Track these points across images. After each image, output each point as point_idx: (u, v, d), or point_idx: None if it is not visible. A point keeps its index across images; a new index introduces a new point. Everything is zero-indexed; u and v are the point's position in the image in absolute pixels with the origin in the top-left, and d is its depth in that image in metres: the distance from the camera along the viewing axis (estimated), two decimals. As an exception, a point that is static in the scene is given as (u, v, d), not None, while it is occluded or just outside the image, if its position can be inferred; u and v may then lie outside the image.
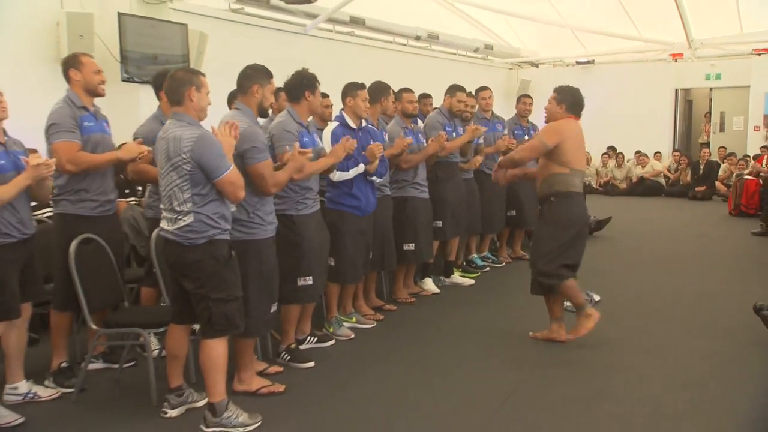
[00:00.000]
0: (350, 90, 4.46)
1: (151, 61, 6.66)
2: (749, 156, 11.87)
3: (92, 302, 3.52)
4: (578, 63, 14.47)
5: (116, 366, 3.91)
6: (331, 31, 9.79)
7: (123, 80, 6.41)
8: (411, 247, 5.22)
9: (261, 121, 3.75)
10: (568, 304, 5.11)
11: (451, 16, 12.12)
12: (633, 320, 4.91)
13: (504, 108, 8.41)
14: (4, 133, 3.37)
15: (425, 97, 6.08)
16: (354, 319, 4.80)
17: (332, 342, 4.44)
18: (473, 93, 6.30)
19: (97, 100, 3.84)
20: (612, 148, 13.64)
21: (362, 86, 4.50)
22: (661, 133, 14.12)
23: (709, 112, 14.79)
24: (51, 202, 4.81)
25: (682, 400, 3.50)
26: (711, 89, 14.39)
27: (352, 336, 4.57)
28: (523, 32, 13.67)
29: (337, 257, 4.40)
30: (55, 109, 3.66)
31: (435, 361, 4.13)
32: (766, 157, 10.52)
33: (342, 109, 4.53)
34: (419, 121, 5.67)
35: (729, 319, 4.85)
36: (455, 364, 4.08)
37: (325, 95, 4.82)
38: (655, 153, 13.42)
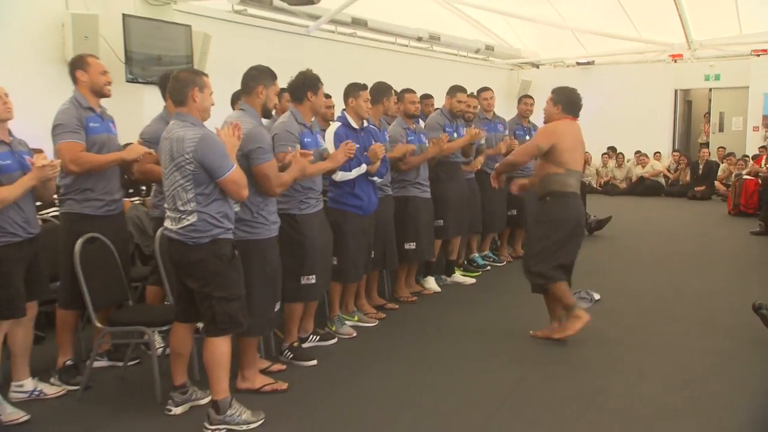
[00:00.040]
0: (352, 90, 4.46)
1: (155, 62, 6.67)
2: (748, 156, 11.86)
3: (97, 301, 3.53)
4: (578, 64, 14.46)
5: (121, 364, 3.91)
6: (334, 32, 9.80)
7: (127, 81, 6.41)
8: (412, 246, 5.21)
9: (264, 121, 3.75)
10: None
11: (453, 17, 12.11)
12: (633, 319, 4.90)
13: (505, 108, 8.40)
14: (10, 133, 3.37)
15: (427, 97, 6.07)
16: (356, 318, 4.80)
17: (335, 340, 4.44)
18: (475, 94, 6.29)
19: (101, 101, 3.84)
20: (612, 149, 13.63)
21: (364, 87, 4.50)
22: (660, 134, 14.11)
23: (709, 113, 14.77)
24: (57, 201, 4.83)
25: (682, 398, 3.50)
26: (710, 90, 14.37)
27: (354, 334, 4.57)
28: (523, 33, 13.65)
29: (339, 256, 4.40)
30: (61, 110, 3.67)
31: (436, 359, 4.13)
32: (764, 157, 10.50)
33: (344, 110, 4.53)
34: (421, 122, 5.67)
35: (728, 318, 4.84)
36: (456, 362, 4.07)
37: (327, 96, 4.82)
38: (655, 153, 13.41)
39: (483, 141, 6.11)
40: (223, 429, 3.13)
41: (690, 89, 14.95)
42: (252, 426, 3.17)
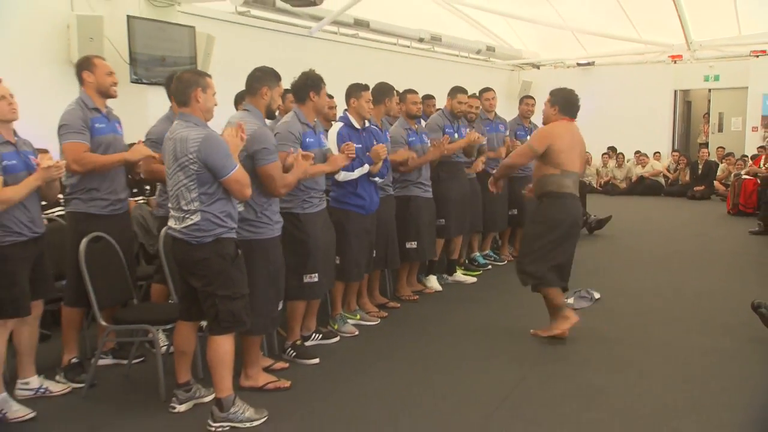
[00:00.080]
0: (354, 91, 4.45)
1: (159, 63, 6.67)
2: (747, 156, 11.84)
3: (102, 299, 3.54)
4: (579, 64, 14.44)
5: (125, 362, 3.92)
6: (336, 33, 9.79)
7: (132, 82, 6.41)
8: (414, 245, 5.21)
9: (267, 122, 3.75)
10: (569, 301, 5.12)
11: (454, 18, 12.10)
12: (633, 318, 4.89)
13: (505, 109, 8.40)
14: (14, 133, 3.37)
15: (428, 98, 6.07)
16: (358, 317, 4.80)
17: (337, 339, 4.45)
18: (477, 94, 6.28)
19: (108, 102, 3.85)
20: (612, 149, 13.61)
21: (366, 87, 4.50)
22: (660, 134, 14.08)
23: (708, 113, 14.74)
24: (62, 201, 4.84)
25: (682, 397, 3.49)
26: (709, 90, 14.35)
27: (357, 333, 4.57)
28: (524, 34, 13.64)
29: (342, 256, 4.40)
30: (67, 111, 3.68)
31: (437, 358, 4.13)
32: (763, 157, 10.48)
33: (346, 110, 4.53)
34: (423, 122, 5.66)
35: (728, 317, 4.83)
36: (457, 361, 4.07)
37: (329, 96, 4.82)
38: (655, 153, 13.39)
39: (484, 141, 6.10)
40: (227, 426, 3.13)
41: (689, 90, 14.93)
42: (255, 423, 3.17)
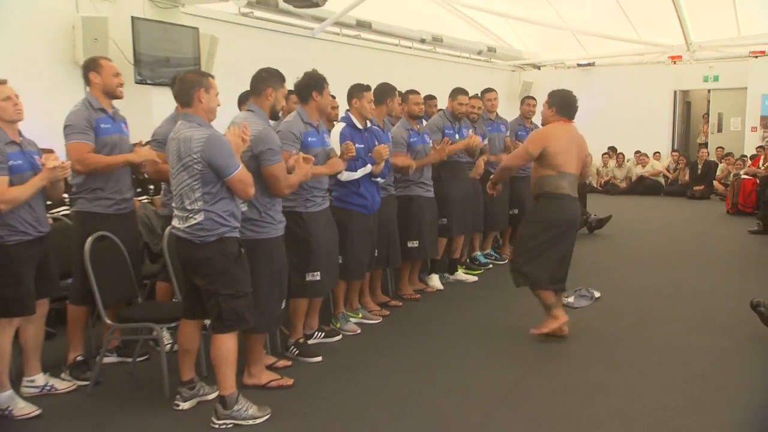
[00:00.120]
0: (356, 91, 4.45)
1: (163, 64, 6.67)
2: (746, 156, 11.81)
3: (107, 298, 3.54)
4: (579, 65, 14.42)
5: (130, 360, 3.92)
6: (338, 34, 9.78)
7: (136, 82, 6.42)
8: (415, 244, 5.21)
9: (271, 123, 3.75)
10: (569, 300, 5.11)
11: (455, 19, 12.09)
12: (633, 317, 4.89)
13: (506, 109, 8.39)
14: (20, 134, 3.38)
15: (430, 98, 6.07)
16: (360, 315, 4.80)
17: (339, 337, 4.45)
18: (479, 95, 6.28)
19: (114, 102, 3.85)
20: (612, 148, 13.59)
21: (367, 88, 4.49)
22: (660, 134, 14.06)
23: (707, 113, 14.72)
24: (68, 200, 4.85)
25: (682, 396, 3.48)
26: (709, 91, 14.32)
27: (359, 331, 4.57)
28: (525, 35, 13.63)
29: (344, 255, 4.39)
30: (72, 111, 3.69)
31: (438, 356, 4.12)
32: (762, 157, 10.46)
33: (348, 110, 4.52)
34: (424, 122, 5.66)
35: (727, 316, 4.81)
36: (458, 359, 4.07)
37: (331, 96, 4.82)
38: (655, 153, 13.37)
39: (486, 141, 6.11)
40: (230, 424, 3.13)
41: (689, 90, 14.90)
42: (258, 421, 3.17)
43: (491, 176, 4.89)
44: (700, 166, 12.40)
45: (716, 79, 13.60)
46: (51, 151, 4.27)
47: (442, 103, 6.02)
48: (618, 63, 14.03)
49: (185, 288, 3.32)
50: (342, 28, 9.66)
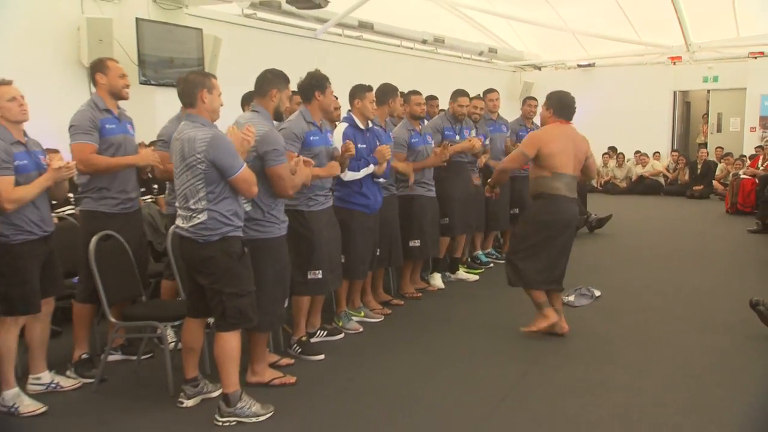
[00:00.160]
0: (358, 92, 4.45)
1: (167, 65, 6.67)
2: (746, 156, 11.79)
3: (111, 296, 3.54)
4: (579, 66, 14.40)
5: (134, 358, 3.93)
6: (341, 35, 9.78)
7: (140, 83, 6.42)
8: (417, 243, 5.21)
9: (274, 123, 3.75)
10: (569, 298, 5.11)
11: (456, 20, 12.09)
12: (633, 315, 4.88)
13: (507, 110, 8.37)
14: (25, 134, 3.38)
15: (431, 99, 6.06)
16: (362, 314, 4.80)
17: (341, 335, 4.44)
18: (481, 95, 6.27)
19: (120, 103, 3.86)
20: (612, 148, 13.58)
21: (369, 88, 4.49)
22: (660, 134, 14.04)
23: (707, 114, 14.69)
24: (73, 199, 4.86)
25: (682, 394, 3.47)
26: (708, 91, 14.29)
27: (361, 330, 4.57)
28: (526, 36, 13.62)
29: (346, 254, 4.39)
30: (78, 111, 3.70)
31: (439, 354, 4.12)
32: (761, 157, 10.44)
33: (349, 110, 4.52)
34: (426, 122, 5.65)
35: (727, 314, 4.80)
36: (459, 356, 4.07)
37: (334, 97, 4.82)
38: (654, 153, 13.34)
39: (488, 141, 6.11)
40: (234, 421, 3.14)
41: (689, 91, 14.87)
42: (261, 418, 3.17)
43: (488, 180, 4.89)
44: (699, 166, 12.38)
45: (716, 79, 13.57)
46: (56, 151, 4.28)
47: (444, 103, 6.01)
48: (618, 64, 14.01)
49: (189, 287, 3.32)
50: (344, 29, 9.66)
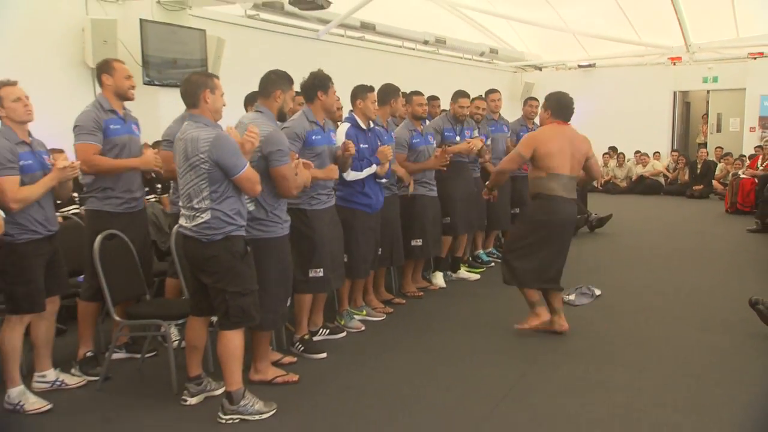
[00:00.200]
0: (360, 92, 4.44)
1: (171, 65, 6.67)
2: (745, 156, 11.77)
3: (116, 295, 3.55)
4: (580, 66, 14.38)
5: (138, 356, 3.93)
6: (343, 35, 9.77)
7: (144, 83, 6.42)
8: (419, 243, 5.21)
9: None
10: (570, 297, 5.11)
11: (458, 21, 12.07)
12: (633, 314, 4.87)
13: (508, 110, 8.37)
14: (29, 134, 3.38)
15: (433, 99, 6.06)
16: (364, 312, 4.80)
17: (343, 334, 4.44)
18: (483, 96, 6.27)
19: (126, 103, 3.86)
20: (613, 148, 13.56)
21: (371, 89, 4.49)
22: (660, 134, 14.02)
23: (707, 114, 14.66)
24: (78, 199, 4.86)
25: (682, 393, 3.46)
26: (708, 92, 14.26)
27: (363, 328, 4.57)
28: (527, 37, 13.60)
29: (349, 253, 4.39)
30: (82, 112, 3.71)
31: (441, 352, 4.12)
32: (760, 157, 10.42)
33: (351, 111, 4.52)
34: (427, 122, 5.65)
35: (727, 313, 4.79)
36: (460, 355, 4.06)
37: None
38: (654, 153, 13.32)
39: (489, 142, 6.10)
40: (237, 419, 3.14)
41: (688, 91, 14.84)
42: (264, 416, 3.17)
43: (486, 183, 4.89)
44: (699, 166, 12.36)
45: (715, 80, 13.55)
46: (61, 151, 4.28)
47: (445, 103, 6.00)
48: (618, 64, 13.99)
49: (192, 285, 3.32)
50: (346, 30, 9.65)
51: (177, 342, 3.86)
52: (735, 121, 13.72)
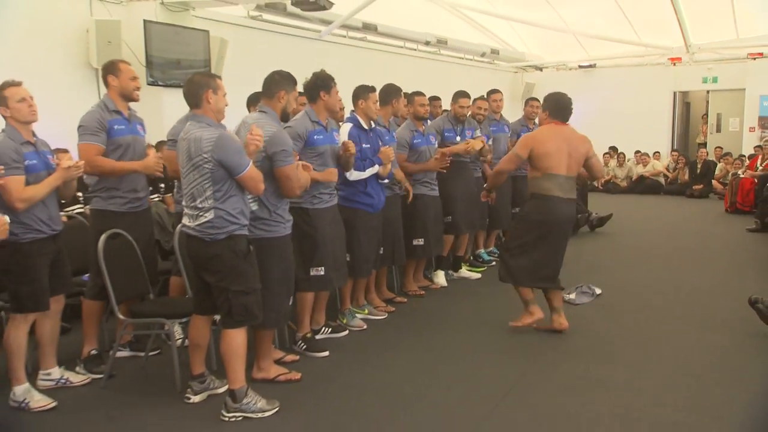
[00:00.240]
0: (361, 92, 4.44)
1: (174, 66, 6.68)
2: (744, 155, 11.75)
3: (120, 293, 3.55)
4: (581, 67, 14.36)
5: (142, 354, 3.94)
6: (345, 36, 9.77)
7: (148, 84, 6.42)
8: (420, 242, 5.21)
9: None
10: (570, 296, 5.10)
11: (459, 22, 12.05)
12: (633, 314, 4.86)
13: (509, 110, 8.34)
14: (33, 134, 3.39)
15: (434, 99, 6.06)
16: (366, 311, 4.79)
17: (346, 332, 4.44)
18: (485, 96, 6.26)
19: (131, 104, 3.86)
20: (613, 148, 13.54)
21: (373, 89, 4.48)
22: (660, 134, 14.00)
23: (706, 114, 14.64)
24: (82, 198, 4.86)
25: (682, 392, 3.46)
26: (708, 92, 14.24)
27: (365, 327, 4.57)
28: (527, 37, 13.58)
29: (351, 253, 4.39)
30: (87, 112, 3.71)
31: (442, 350, 4.12)
32: (760, 157, 10.40)
33: (353, 111, 4.52)
34: (428, 122, 5.65)
35: (726, 312, 4.78)
36: (462, 353, 4.06)
37: (338, 97, 4.81)
38: (654, 153, 13.30)
39: (491, 142, 6.10)
40: (240, 416, 3.14)
41: (688, 91, 14.82)
42: (267, 414, 3.18)
43: (485, 185, 4.89)
44: (699, 166, 12.34)
45: (715, 80, 13.53)
46: (66, 151, 4.29)
47: (447, 104, 6.00)
48: (618, 64, 13.97)
49: (196, 284, 3.32)
50: (348, 31, 9.64)
51: (180, 340, 3.87)
52: (735, 121, 13.69)
